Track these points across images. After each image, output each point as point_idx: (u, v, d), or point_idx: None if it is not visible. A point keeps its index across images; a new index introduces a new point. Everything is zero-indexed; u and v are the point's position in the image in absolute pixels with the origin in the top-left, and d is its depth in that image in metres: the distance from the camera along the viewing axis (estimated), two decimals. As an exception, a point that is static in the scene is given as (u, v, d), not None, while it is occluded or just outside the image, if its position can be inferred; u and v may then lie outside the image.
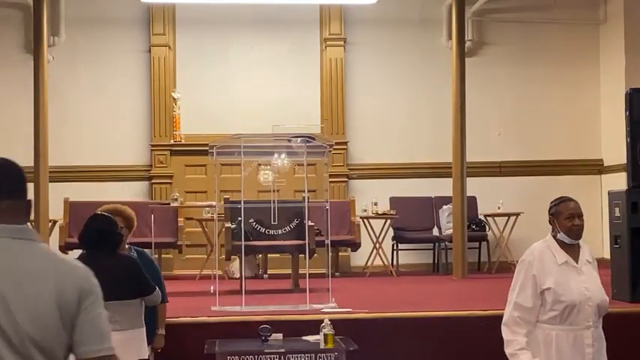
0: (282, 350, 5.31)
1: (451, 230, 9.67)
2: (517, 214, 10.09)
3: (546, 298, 4.21)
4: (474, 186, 10.09)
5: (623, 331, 6.03)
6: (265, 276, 9.66)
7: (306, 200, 7.49)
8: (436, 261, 10.63)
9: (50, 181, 9.16)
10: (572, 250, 4.33)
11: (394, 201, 10.53)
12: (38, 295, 2.16)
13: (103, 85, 10.96)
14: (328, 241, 7.24)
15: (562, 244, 4.32)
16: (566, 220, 4.30)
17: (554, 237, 4.35)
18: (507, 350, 4.22)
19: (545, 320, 4.23)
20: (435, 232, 10.58)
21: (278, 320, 5.97)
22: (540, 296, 4.22)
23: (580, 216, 4.33)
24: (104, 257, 4.76)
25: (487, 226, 10.40)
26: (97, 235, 4.78)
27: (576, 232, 4.30)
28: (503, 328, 4.28)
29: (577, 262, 4.30)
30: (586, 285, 4.24)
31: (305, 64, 11.16)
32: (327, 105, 11.12)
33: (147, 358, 4.90)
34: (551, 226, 4.40)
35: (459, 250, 9.33)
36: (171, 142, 10.90)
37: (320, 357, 5.31)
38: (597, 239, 10.43)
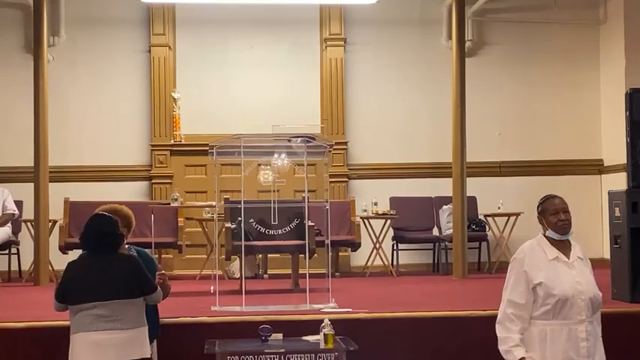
0: (282, 350, 5.30)
1: (451, 230, 9.67)
2: (517, 214, 10.09)
3: (538, 293, 4.28)
4: (474, 186, 10.09)
5: (623, 331, 6.03)
6: (265, 276, 9.66)
7: (306, 200, 7.49)
8: (436, 261, 10.63)
9: (50, 181, 9.15)
10: (562, 247, 4.42)
11: (394, 201, 10.53)
12: None
13: (103, 85, 10.96)
14: (328, 241, 7.22)
15: (552, 241, 4.41)
16: (552, 216, 4.40)
17: (544, 235, 4.43)
18: (501, 347, 4.30)
19: (538, 316, 4.29)
20: (435, 232, 10.57)
21: (278, 320, 5.96)
22: (532, 292, 4.28)
23: (565, 210, 4.42)
24: (106, 257, 4.77)
25: (487, 226, 10.39)
26: (99, 235, 4.78)
27: (562, 226, 4.38)
28: (497, 327, 4.36)
29: (568, 258, 4.36)
30: (577, 279, 4.32)
31: (305, 64, 11.15)
32: (327, 105, 11.12)
33: (149, 357, 4.89)
34: (541, 225, 4.48)
35: (459, 250, 9.33)
36: (172, 142, 10.90)
37: (320, 357, 5.30)
38: (597, 239, 10.44)
